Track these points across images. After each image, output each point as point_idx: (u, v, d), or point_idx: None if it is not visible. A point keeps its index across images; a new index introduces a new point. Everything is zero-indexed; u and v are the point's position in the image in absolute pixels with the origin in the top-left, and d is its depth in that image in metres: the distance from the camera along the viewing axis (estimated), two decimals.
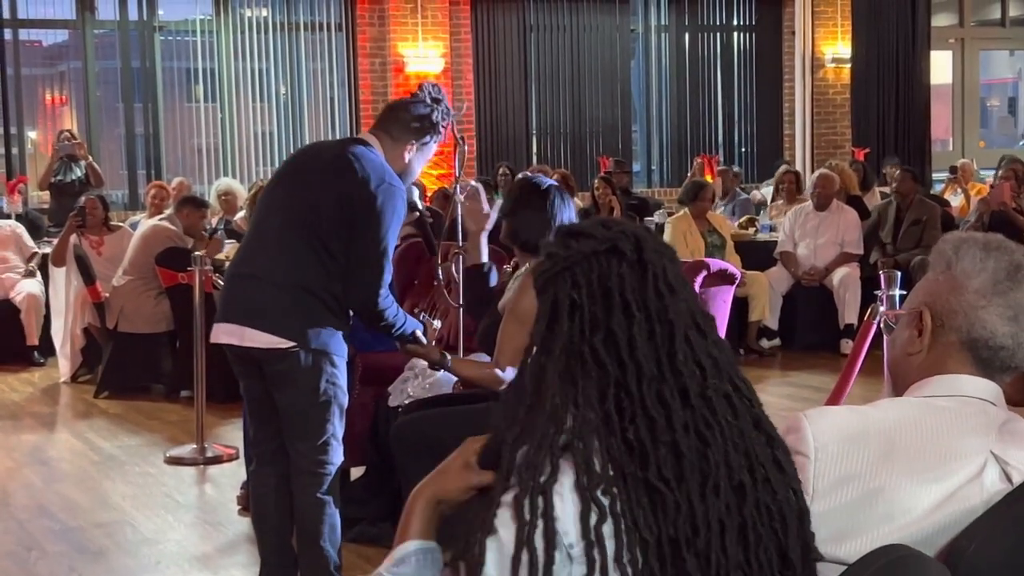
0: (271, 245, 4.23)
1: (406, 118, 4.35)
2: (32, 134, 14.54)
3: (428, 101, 4.34)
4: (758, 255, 10.10)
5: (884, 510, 2.09)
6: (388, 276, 4.23)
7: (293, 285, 4.17)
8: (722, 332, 4.73)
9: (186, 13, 14.32)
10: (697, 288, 4.91)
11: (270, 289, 4.18)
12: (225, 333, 4.30)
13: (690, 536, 1.82)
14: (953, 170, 13.74)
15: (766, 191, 13.18)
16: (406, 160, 4.35)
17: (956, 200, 12.84)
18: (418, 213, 4.60)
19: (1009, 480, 2.13)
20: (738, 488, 1.86)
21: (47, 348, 9.99)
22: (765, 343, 9.86)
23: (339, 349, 4.29)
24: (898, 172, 10.63)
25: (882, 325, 5.09)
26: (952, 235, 2.34)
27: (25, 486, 6.66)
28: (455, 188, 5.55)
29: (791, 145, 16.22)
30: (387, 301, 4.25)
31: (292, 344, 4.19)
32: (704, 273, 4.95)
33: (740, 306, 9.51)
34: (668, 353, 1.86)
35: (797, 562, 1.90)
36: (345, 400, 4.36)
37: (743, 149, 16.46)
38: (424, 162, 4.49)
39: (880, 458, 2.11)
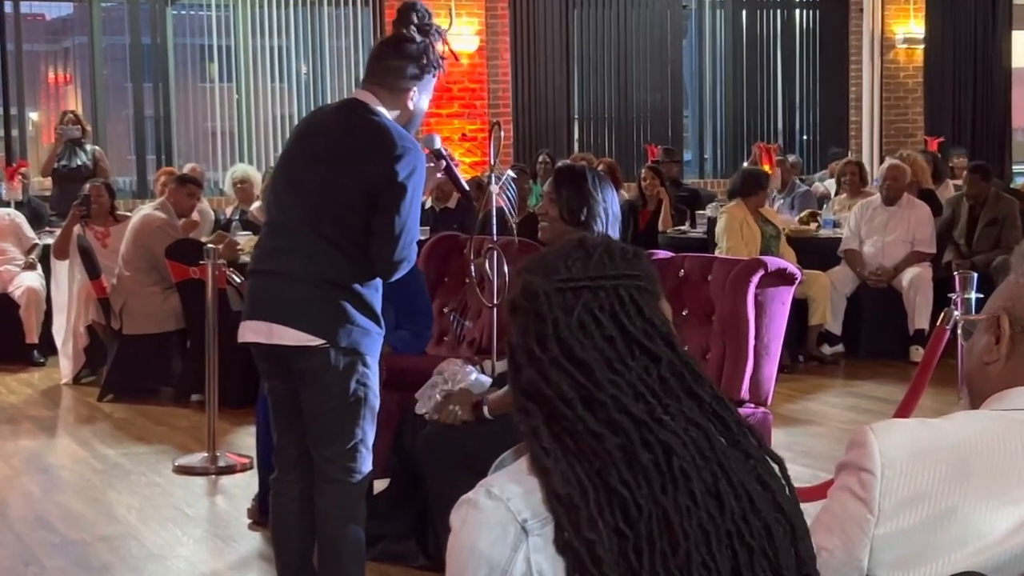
0: (294, 238, 4.23)
1: (397, 63, 4.30)
2: (34, 115, 14.67)
3: (417, 36, 4.28)
4: (820, 253, 10.07)
5: (957, 534, 2.08)
6: (415, 248, 4.25)
7: (322, 280, 4.18)
8: (779, 337, 4.79)
9: None
10: (753, 288, 4.91)
11: (299, 284, 4.19)
12: (252, 331, 4.32)
13: (667, 541, 1.87)
14: None
15: (829, 183, 13.14)
16: (410, 107, 4.33)
17: None
18: (444, 162, 4.58)
19: None
20: (716, 497, 1.91)
21: (48, 347, 10.07)
22: (827, 349, 9.83)
23: (372, 349, 4.30)
24: (966, 169, 10.57)
25: (959, 331, 5.07)
26: None
27: (23, 496, 6.71)
28: (490, 177, 5.55)
29: (857, 133, 16.17)
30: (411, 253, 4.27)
31: (322, 341, 4.20)
32: (761, 272, 4.93)
33: (799, 308, 9.48)
34: (594, 383, 1.95)
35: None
36: (377, 404, 4.36)
37: (804, 137, 16.44)
38: (429, 98, 4.43)
39: (953, 476, 2.10)
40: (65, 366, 9.61)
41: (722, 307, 5.00)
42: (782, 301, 4.99)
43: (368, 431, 4.35)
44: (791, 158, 13.57)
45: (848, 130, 16.26)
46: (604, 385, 1.95)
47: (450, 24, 4.64)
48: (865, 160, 14.97)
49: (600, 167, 11.73)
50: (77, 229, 9.51)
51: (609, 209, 4.83)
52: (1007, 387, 2.25)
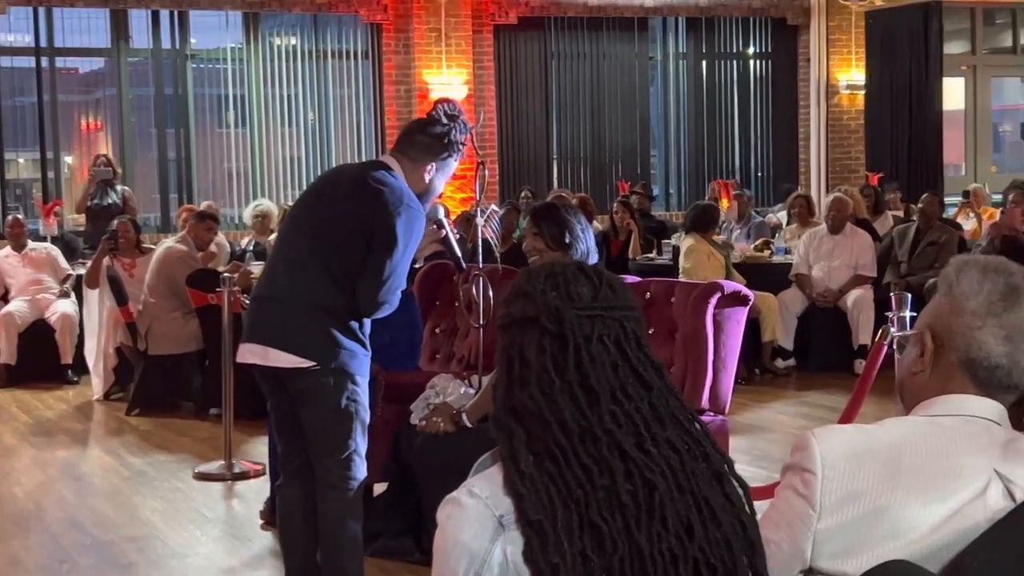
0: (294, 268, 4.25)
1: (423, 140, 4.35)
2: (69, 159, 14.63)
3: (444, 120, 4.32)
4: (773, 277, 10.08)
5: (890, 527, 2.09)
6: (398, 295, 4.24)
7: (315, 307, 4.19)
8: (735, 352, 4.78)
9: (217, 42, 14.44)
10: (711, 309, 4.92)
11: (293, 311, 4.21)
12: (250, 353, 4.34)
13: (637, 568, 1.86)
14: (966, 195, 13.72)
15: (781, 215, 13.16)
16: (426, 180, 4.35)
17: (968, 224, 12.78)
18: (444, 231, 4.59)
19: (1012, 498, 2.12)
20: (687, 528, 1.90)
21: (81, 367, 10.04)
22: (780, 363, 9.84)
23: (360, 369, 4.30)
24: (924, 196, 10.60)
25: (894, 346, 5.06)
26: (956, 258, 2.34)
27: (58, 500, 6.68)
28: (476, 211, 5.56)
29: (806, 169, 16.21)
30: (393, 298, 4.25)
31: (313, 364, 4.21)
32: (718, 295, 4.94)
33: (753, 326, 9.51)
34: (596, 415, 1.92)
35: None
36: (367, 417, 4.37)
37: (759, 173, 16.44)
38: (446, 179, 4.47)
39: (886, 476, 2.11)
40: (96, 384, 9.58)
41: (684, 326, 5.00)
42: (737, 320, 4.99)
43: (360, 442, 4.35)
44: (747, 192, 13.60)
45: (798, 167, 16.29)
46: (604, 417, 1.92)
47: (477, 122, 4.64)
48: (813, 193, 15.03)
49: (575, 201, 11.77)
50: (106, 261, 9.50)
51: (586, 229, 4.85)
52: (933, 395, 2.26)
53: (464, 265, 4.90)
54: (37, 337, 10.27)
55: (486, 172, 5.58)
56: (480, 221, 5.48)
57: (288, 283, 4.25)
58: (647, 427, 1.95)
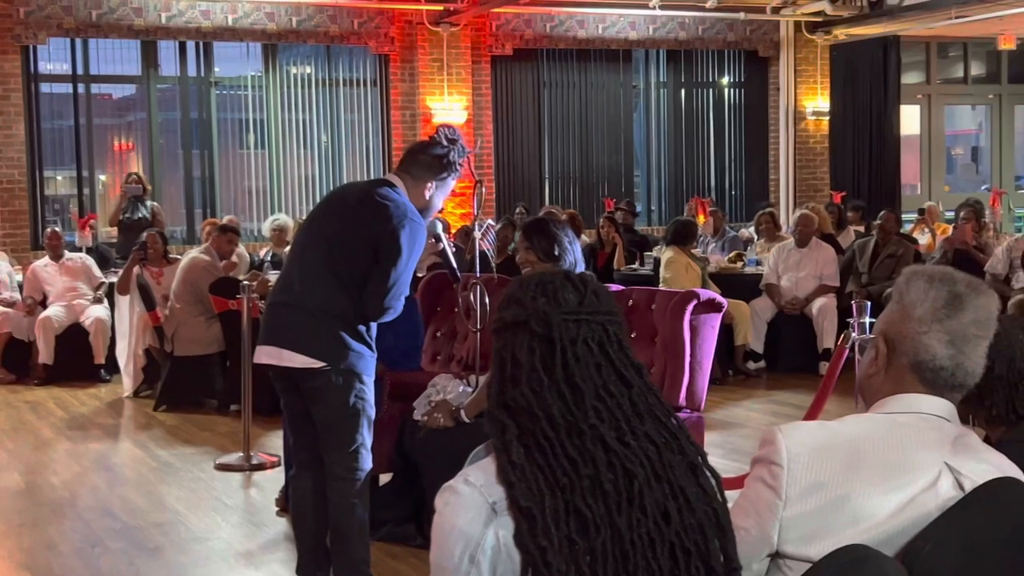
0: (306, 276, 4.25)
1: (424, 159, 4.35)
2: (103, 177, 14.59)
3: (444, 143, 4.34)
4: (745, 287, 10.08)
5: (850, 514, 2.09)
6: (402, 300, 4.24)
7: (325, 312, 4.19)
8: (710, 354, 4.77)
9: (239, 70, 14.41)
10: (688, 315, 4.91)
11: (305, 316, 4.21)
12: (265, 354, 4.33)
13: (618, 551, 1.87)
14: (921, 212, 13.73)
15: (753, 230, 13.15)
16: (427, 197, 4.35)
17: (923, 239, 12.78)
18: (442, 244, 4.59)
19: (961, 488, 2.13)
20: (664, 514, 1.91)
21: (112, 366, 10.03)
22: (752, 365, 9.84)
23: (366, 369, 4.30)
24: (882, 212, 10.60)
25: (856, 349, 5.07)
26: (907, 269, 2.35)
27: (91, 489, 6.67)
28: (474, 226, 5.56)
29: (776, 188, 16.21)
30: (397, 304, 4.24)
31: (324, 364, 4.21)
32: (695, 302, 4.93)
33: (727, 332, 9.51)
34: (581, 411, 1.93)
35: (720, 570, 1.93)
36: (373, 413, 4.37)
37: (733, 192, 16.44)
38: (444, 196, 4.47)
39: (847, 468, 2.11)
40: (126, 382, 9.57)
41: (663, 330, 4.99)
42: (712, 325, 4.98)
43: (367, 436, 4.34)
44: (719, 211, 13.57)
45: (768, 186, 16.28)
46: (589, 413, 1.92)
47: (475, 146, 4.64)
48: (781, 210, 15.06)
49: (564, 217, 11.74)
50: (136, 270, 9.49)
51: (573, 243, 4.85)
52: (888, 395, 2.26)
53: (459, 275, 4.90)
54: (73, 339, 10.27)
55: (483, 190, 5.58)
56: (478, 235, 5.49)
57: (301, 290, 4.24)
58: (628, 422, 1.95)
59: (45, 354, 10.16)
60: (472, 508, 1.91)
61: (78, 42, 13.22)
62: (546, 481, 1.88)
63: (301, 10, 13.67)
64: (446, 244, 4.60)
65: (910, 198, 16.62)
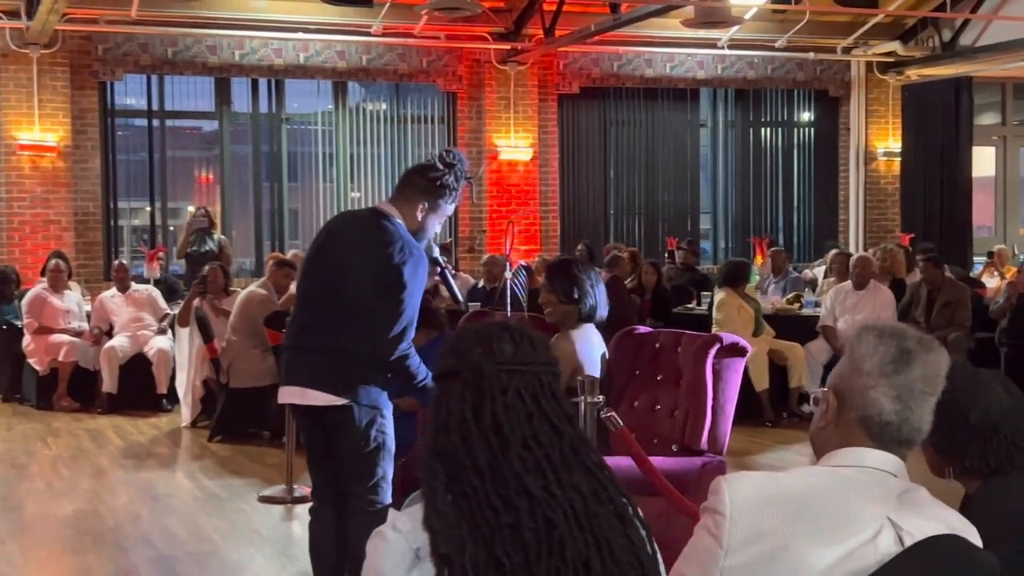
0: (319, 318, 4.30)
1: (419, 182, 4.36)
2: (191, 208, 14.89)
3: (439, 166, 4.34)
4: (801, 328, 10.01)
5: (789, 566, 2.10)
6: (411, 332, 4.28)
7: (340, 351, 4.25)
8: (733, 398, 4.76)
9: (310, 107, 14.68)
10: (711, 359, 4.91)
11: (322, 356, 4.27)
12: (288, 394, 4.41)
13: None
14: (990, 255, 13.53)
15: (817, 270, 13.06)
16: (419, 219, 4.36)
17: (992, 282, 12.61)
18: (439, 267, 4.62)
19: (902, 544, 2.13)
20: (585, 564, 1.93)
21: (174, 396, 10.21)
22: (806, 408, 9.74)
23: (386, 404, 4.36)
24: (920, 263, 10.49)
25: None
26: (860, 324, 2.36)
27: (133, 518, 6.78)
28: (506, 264, 5.62)
29: (845, 229, 16.09)
30: (410, 351, 4.29)
31: (346, 401, 4.27)
32: (717, 346, 4.93)
33: (781, 374, 9.45)
34: (507, 460, 1.96)
35: None
36: (393, 446, 4.41)
37: (801, 232, 16.34)
38: (439, 221, 4.44)
39: (789, 519, 2.12)
40: (185, 412, 9.75)
41: (687, 373, 4.99)
42: (735, 369, 4.96)
43: (388, 469, 4.39)
44: (782, 250, 13.44)
45: (837, 226, 16.16)
46: (514, 462, 1.95)
47: (476, 173, 4.65)
48: (852, 251, 14.91)
49: (626, 255, 11.75)
50: (196, 302, 9.67)
51: (596, 285, 4.87)
52: (836, 447, 2.27)
53: (460, 298, 4.93)
54: (136, 369, 10.51)
55: (515, 229, 5.63)
56: (508, 275, 5.54)
57: (314, 332, 4.30)
58: (555, 472, 1.98)
59: (109, 383, 10.41)
60: (397, 554, 1.96)
61: (154, 78, 13.56)
62: (469, 529, 1.92)
63: (371, 49, 13.90)
64: (446, 269, 4.61)
65: (984, 240, 16.36)
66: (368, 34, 13.44)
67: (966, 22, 14.58)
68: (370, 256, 4.24)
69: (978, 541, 2.21)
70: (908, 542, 2.12)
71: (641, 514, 2.08)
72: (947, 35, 14.81)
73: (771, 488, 2.18)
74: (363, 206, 14.39)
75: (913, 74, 15.59)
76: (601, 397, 4.14)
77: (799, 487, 2.19)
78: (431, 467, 2.00)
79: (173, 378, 10.30)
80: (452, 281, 4.69)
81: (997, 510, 2.69)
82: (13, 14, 12.23)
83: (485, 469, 1.95)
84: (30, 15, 11.81)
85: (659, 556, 2.07)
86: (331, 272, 4.33)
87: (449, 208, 4.43)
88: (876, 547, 2.12)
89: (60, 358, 10.52)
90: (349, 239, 4.36)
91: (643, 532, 2.05)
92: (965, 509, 2.66)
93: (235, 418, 9.15)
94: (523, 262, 6.35)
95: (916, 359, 2.23)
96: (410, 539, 1.95)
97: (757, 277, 12.27)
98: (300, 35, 13.46)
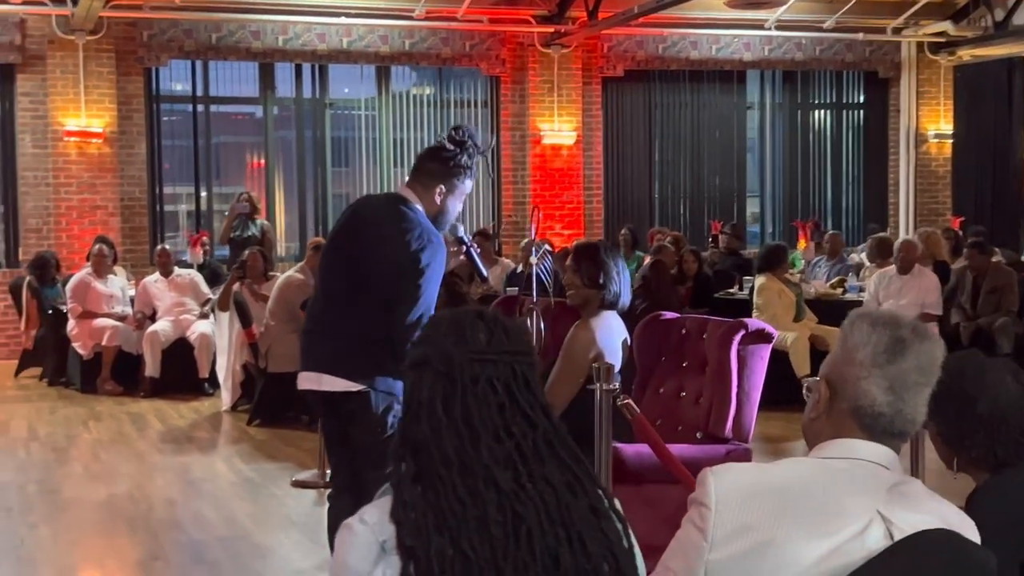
0: (336, 304, 4.28)
1: (432, 166, 4.33)
2: (221, 194, 14.96)
3: (449, 146, 4.29)
4: (844, 314, 9.73)
5: (775, 560, 2.06)
6: (431, 313, 4.24)
7: (359, 337, 4.22)
8: (759, 385, 4.69)
9: (353, 92, 14.69)
10: (735, 346, 4.84)
11: (339, 342, 4.25)
12: (306, 380, 4.39)
13: None
14: None
15: (863, 255, 12.87)
16: (437, 203, 4.32)
17: None
18: (464, 247, 4.58)
19: (892, 538, 2.07)
20: (555, 559, 1.89)
21: (216, 380, 10.27)
22: None
23: (401, 391, 4.33)
24: (965, 249, 10.30)
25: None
26: (852, 312, 2.31)
27: (167, 502, 6.82)
28: (531, 249, 5.57)
29: (895, 213, 15.87)
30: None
31: (363, 387, 4.25)
32: (742, 332, 4.86)
33: (823, 360, 9.32)
34: (476, 451, 1.92)
35: None
36: None
37: (850, 216, 16.14)
38: (459, 201, 4.39)
39: (775, 512, 2.08)
40: (225, 397, 9.80)
41: (712, 360, 4.93)
42: (761, 356, 4.90)
43: None
44: (837, 233, 13.21)
45: (887, 210, 15.94)
46: (483, 454, 1.92)
47: (488, 144, 4.55)
48: (901, 235, 14.70)
49: (668, 240, 11.66)
50: (235, 287, 9.72)
51: (621, 272, 4.81)
52: (828, 439, 2.22)
53: (485, 274, 4.90)
54: (178, 354, 10.59)
55: (540, 215, 5.58)
56: (534, 259, 5.50)
57: (333, 318, 4.29)
58: (525, 464, 1.95)
59: (152, 367, 10.49)
60: (363, 546, 1.93)
61: (198, 64, 13.63)
62: (435, 521, 1.89)
63: (414, 33, 13.88)
64: (470, 247, 4.57)
65: None
66: (411, 18, 13.43)
67: (1019, 1, 14.29)
68: (389, 242, 4.21)
69: (976, 536, 2.15)
70: (898, 536, 2.07)
71: (619, 507, 2.03)
72: (1000, 15, 14.51)
73: (758, 480, 2.14)
74: None
75: (965, 55, 15.32)
76: (617, 384, 4.09)
77: (787, 479, 2.14)
78: (401, 456, 1.97)
79: (215, 362, 10.36)
80: (477, 258, 4.64)
81: (1006, 503, 2.61)
82: (59, 1, 12.33)
83: (454, 460, 1.92)
84: (75, 2, 11.90)
85: (637, 550, 2.03)
86: (350, 258, 4.30)
87: (467, 186, 4.38)
88: (864, 541, 2.07)
89: (104, 342, 10.62)
90: (370, 224, 4.33)
91: (619, 525, 2.00)
92: (971, 502, 2.59)
93: (273, 402, 9.18)
94: (547, 246, 6.27)
95: (910, 349, 2.17)
96: (376, 532, 1.93)
97: (802, 262, 12.13)
98: (343, 19, 13.46)
